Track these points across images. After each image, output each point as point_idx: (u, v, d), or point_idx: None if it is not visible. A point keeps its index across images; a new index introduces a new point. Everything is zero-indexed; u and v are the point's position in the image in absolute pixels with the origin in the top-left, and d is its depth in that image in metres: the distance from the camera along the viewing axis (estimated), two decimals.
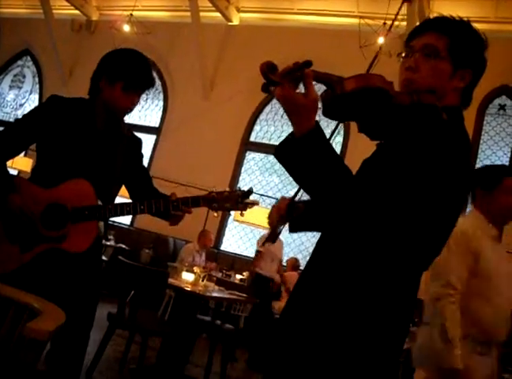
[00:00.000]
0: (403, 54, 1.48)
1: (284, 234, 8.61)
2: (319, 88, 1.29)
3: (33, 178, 2.29)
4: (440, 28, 1.43)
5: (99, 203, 2.23)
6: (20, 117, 2.32)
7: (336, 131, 1.75)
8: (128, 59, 2.31)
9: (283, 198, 1.74)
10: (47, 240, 2.19)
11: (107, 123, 2.35)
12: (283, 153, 1.32)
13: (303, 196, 1.64)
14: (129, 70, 2.27)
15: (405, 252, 1.32)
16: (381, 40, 7.06)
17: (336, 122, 1.74)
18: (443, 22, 1.46)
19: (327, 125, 2.21)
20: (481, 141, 8.01)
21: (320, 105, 1.32)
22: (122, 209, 2.24)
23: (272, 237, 1.81)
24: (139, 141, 2.54)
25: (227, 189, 2.32)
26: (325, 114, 1.37)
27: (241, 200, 2.25)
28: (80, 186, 2.22)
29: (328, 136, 1.35)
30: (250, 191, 2.27)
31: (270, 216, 1.73)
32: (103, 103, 2.31)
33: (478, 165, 7.95)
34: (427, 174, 1.26)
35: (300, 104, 1.26)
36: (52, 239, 2.18)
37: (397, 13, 1.90)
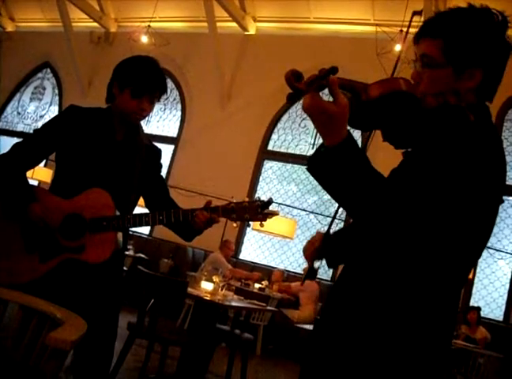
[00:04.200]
0: (413, 59, 1.42)
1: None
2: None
3: (53, 189, 2.30)
4: (433, 32, 1.35)
5: (118, 213, 2.23)
6: (38, 127, 2.34)
7: (370, 140, 1.60)
8: (135, 65, 2.32)
9: (318, 232, 1.64)
10: (66, 250, 2.18)
11: (125, 133, 2.36)
12: (316, 166, 1.26)
13: (337, 226, 1.56)
14: (135, 76, 2.27)
15: (443, 261, 1.27)
16: (398, 47, 7.04)
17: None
18: (436, 23, 1.37)
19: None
20: None
21: None
22: (141, 219, 2.22)
23: (311, 273, 1.63)
24: (158, 151, 2.53)
25: (246, 199, 2.28)
26: (350, 123, 1.29)
27: (260, 211, 2.18)
28: (98, 196, 2.21)
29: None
30: (270, 201, 2.19)
31: (305, 250, 1.62)
32: (119, 111, 2.32)
33: None
34: (460, 181, 1.21)
35: (331, 113, 1.19)
36: (71, 249, 2.18)
37: (410, 24, 1.78)
